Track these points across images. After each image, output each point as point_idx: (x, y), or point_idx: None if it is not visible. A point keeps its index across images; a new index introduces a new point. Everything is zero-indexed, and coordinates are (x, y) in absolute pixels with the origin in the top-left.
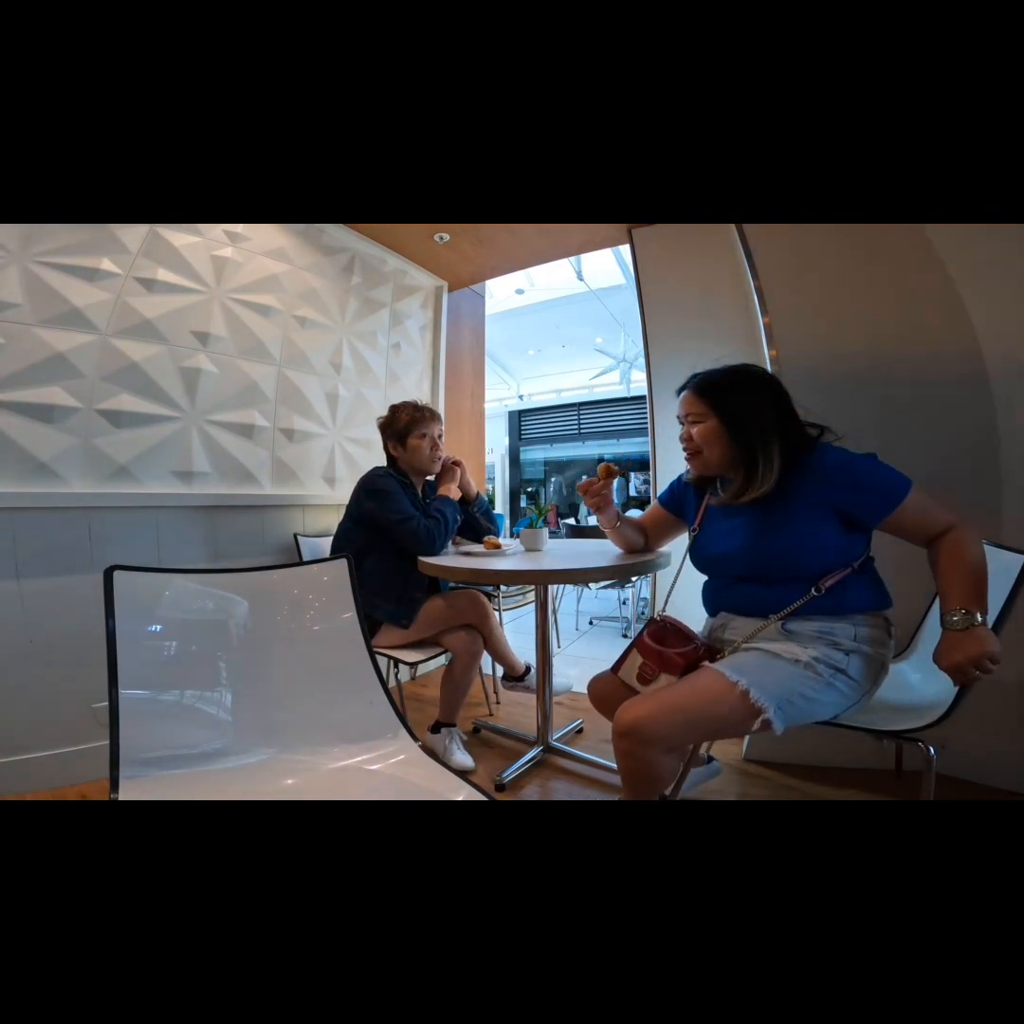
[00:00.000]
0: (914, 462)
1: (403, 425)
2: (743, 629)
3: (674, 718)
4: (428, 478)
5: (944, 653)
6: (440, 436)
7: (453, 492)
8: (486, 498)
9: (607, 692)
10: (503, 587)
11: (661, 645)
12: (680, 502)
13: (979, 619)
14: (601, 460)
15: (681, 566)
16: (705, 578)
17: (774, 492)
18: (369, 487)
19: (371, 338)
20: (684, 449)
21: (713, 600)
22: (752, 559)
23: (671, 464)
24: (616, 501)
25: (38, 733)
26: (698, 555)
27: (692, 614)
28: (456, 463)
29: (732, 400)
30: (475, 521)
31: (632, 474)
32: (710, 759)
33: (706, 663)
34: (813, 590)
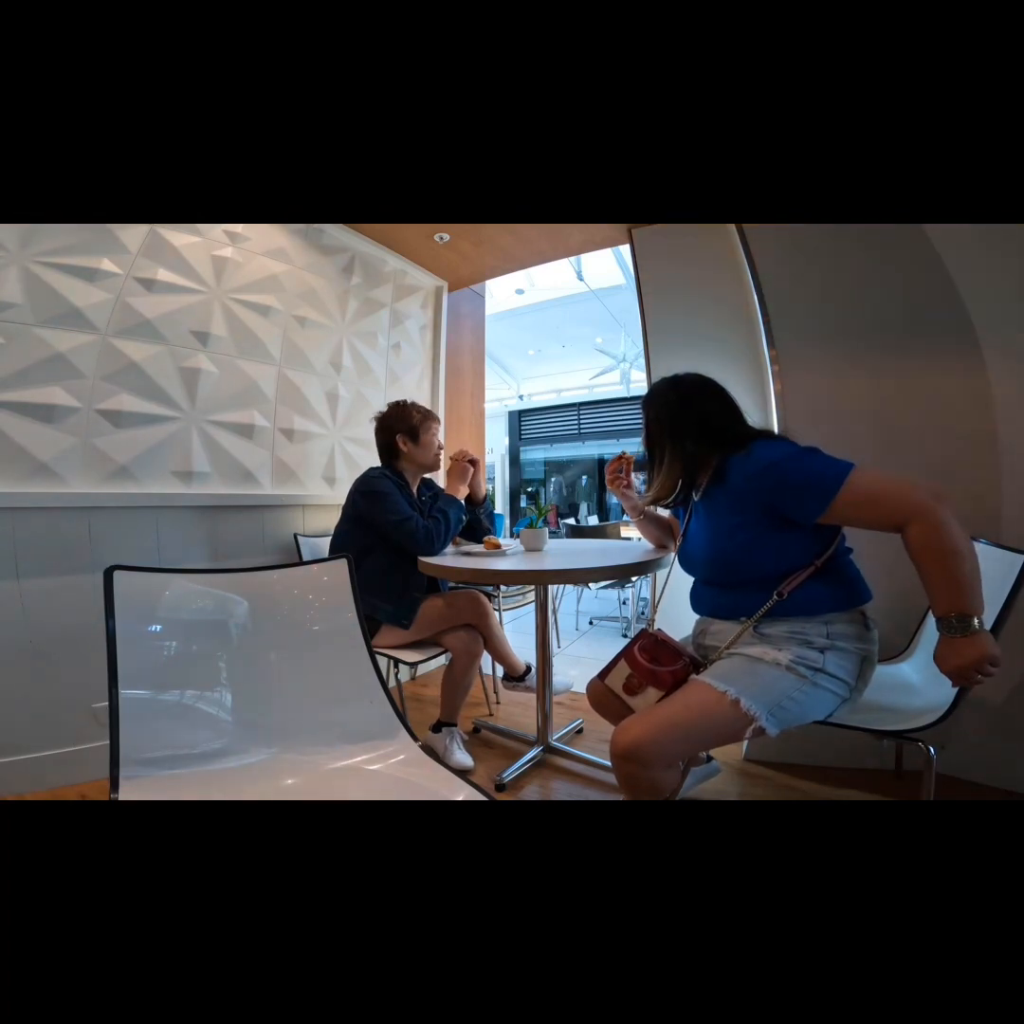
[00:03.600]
0: (914, 462)
1: (416, 421)
2: (721, 634)
3: (670, 735)
4: (424, 476)
5: (944, 657)
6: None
7: (461, 492)
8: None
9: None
10: (503, 587)
11: (652, 662)
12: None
13: (976, 624)
14: (602, 460)
15: (671, 569)
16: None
17: (715, 495)
18: (364, 488)
19: (371, 338)
20: None
21: (693, 602)
22: (707, 562)
23: None
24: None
25: (38, 733)
26: (679, 556)
27: (684, 616)
28: (472, 462)
29: (645, 412)
30: (479, 522)
31: (633, 475)
32: (709, 759)
33: (693, 676)
34: (776, 594)
